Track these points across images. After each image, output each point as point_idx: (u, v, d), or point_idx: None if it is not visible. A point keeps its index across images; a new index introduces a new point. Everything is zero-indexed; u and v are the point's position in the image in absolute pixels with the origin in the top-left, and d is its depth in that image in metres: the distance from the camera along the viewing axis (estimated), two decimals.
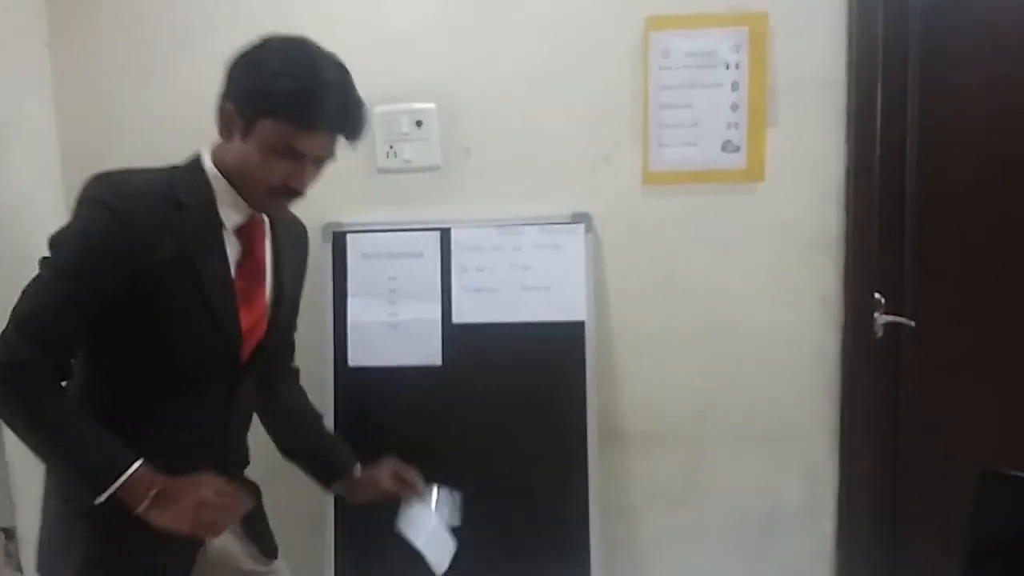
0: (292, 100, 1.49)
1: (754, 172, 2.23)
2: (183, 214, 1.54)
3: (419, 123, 2.24)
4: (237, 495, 1.57)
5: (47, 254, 1.52)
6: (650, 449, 2.34)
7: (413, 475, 1.90)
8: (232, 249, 1.61)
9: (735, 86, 2.20)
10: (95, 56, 2.30)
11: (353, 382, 2.24)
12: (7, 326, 1.49)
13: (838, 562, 2.37)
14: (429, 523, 1.87)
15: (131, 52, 2.29)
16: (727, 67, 2.19)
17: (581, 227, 2.23)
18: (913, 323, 2.28)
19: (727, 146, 2.22)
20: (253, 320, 1.65)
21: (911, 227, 2.28)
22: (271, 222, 1.70)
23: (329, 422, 2.23)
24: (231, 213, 1.60)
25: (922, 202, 2.26)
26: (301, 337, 2.25)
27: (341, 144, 1.60)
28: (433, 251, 2.25)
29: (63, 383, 1.55)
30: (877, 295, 2.27)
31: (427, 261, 2.25)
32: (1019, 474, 1.38)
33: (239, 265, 1.62)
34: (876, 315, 2.27)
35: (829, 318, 2.28)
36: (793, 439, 2.32)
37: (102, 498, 1.48)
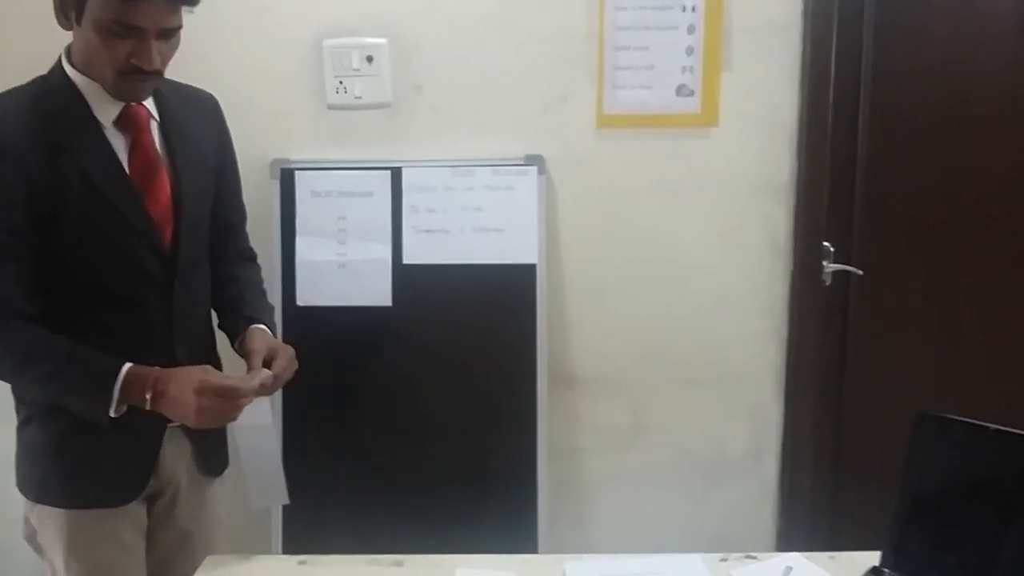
0: None
1: (708, 117, 2.22)
2: (57, 123, 1.51)
3: (370, 59, 2.19)
4: (232, 385, 1.52)
5: None
6: (598, 392, 2.36)
7: (276, 369, 1.64)
8: (118, 143, 1.57)
9: (691, 29, 2.18)
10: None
11: (301, 321, 2.21)
12: None
13: (781, 504, 2.43)
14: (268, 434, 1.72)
15: None
16: (683, 9, 2.17)
17: (534, 169, 2.21)
18: (861, 272, 2.31)
19: (682, 90, 2.21)
20: (161, 209, 1.60)
21: (862, 176, 2.29)
22: (158, 104, 1.63)
23: None
24: (102, 107, 1.55)
25: (873, 152, 2.28)
26: None
27: (183, 11, 1.50)
28: (384, 191, 2.22)
29: (29, 323, 1.52)
30: (826, 244, 2.29)
31: (377, 201, 2.22)
32: (953, 417, 1.41)
33: (129, 158, 1.57)
34: (825, 263, 2.30)
35: (778, 265, 2.30)
36: (739, 384, 2.35)
37: (112, 411, 1.49)
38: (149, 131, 1.61)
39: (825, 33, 2.19)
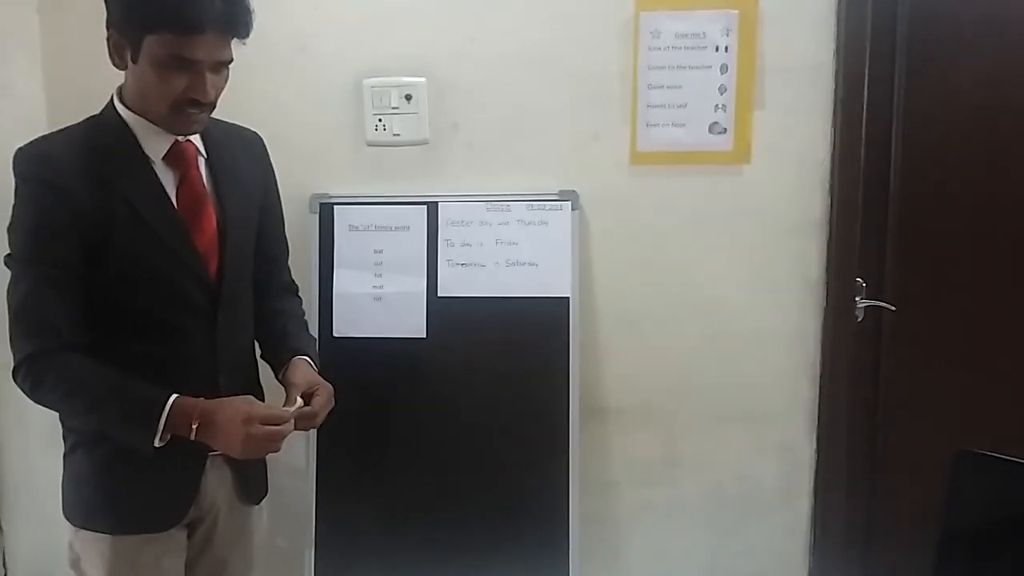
0: (171, 8, 1.47)
1: (740, 154, 2.24)
2: (107, 160, 1.57)
3: (408, 97, 2.24)
4: (278, 414, 1.58)
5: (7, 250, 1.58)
6: (630, 426, 2.37)
7: (315, 406, 1.69)
8: (167, 178, 1.62)
9: (724, 68, 2.21)
10: (84, 19, 2.27)
11: (338, 352, 2.24)
12: (9, 329, 1.56)
13: (813, 542, 2.41)
14: None
15: None
16: (716, 49, 2.20)
17: (568, 204, 2.24)
18: (894, 308, 2.31)
19: (714, 128, 2.23)
20: (206, 242, 1.65)
21: (895, 212, 2.30)
22: (205, 142, 1.69)
23: None
24: (152, 144, 1.60)
25: (906, 188, 2.28)
26: None
27: (234, 43, 1.57)
28: (420, 225, 2.26)
29: (77, 354, 1.57)
30: (859, 280, 2.30)
31: (413, 235, 2.26)
32: (993, 455, 1.40)
33: (177, 193, 1.63)
34: (857, 299, 2.30)
35: (811, 301, 2.31)
36: (771, 419, 2.35)
37: (157, 441, 1.53)
38: (197, 167, 1.67)
39: (857, 71, 2.21)
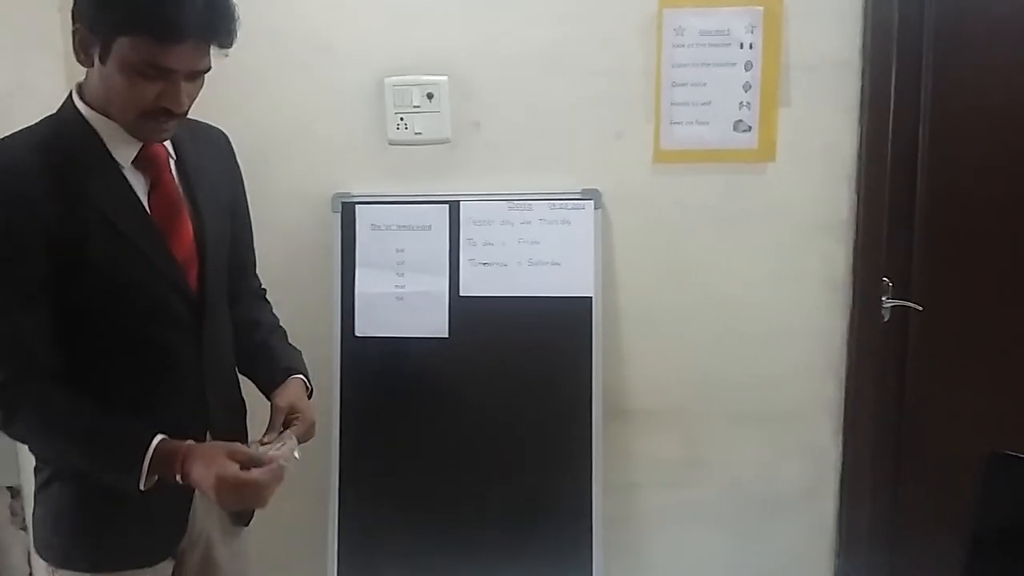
0: (148, 10, 1.33)
1: (765, 152, 2.22)
2: (73, 166, 1.43)
3: (430, 96, 2.24)
4: (255, 479, 1.44)
5: None
6: (654, 426, 2.35)
7: (296, 432, 1.59)
8: (137, 184, 1.49)
9: (748, 66, 2.19)
10: None
11: (359, 352, 2.25)
12: None
13: (838, 543, 2.39)
14: None
15: None
16: (741, 46, 2.18)
17: (591, 203, 2.23)
18: (921, 308, 2.28)
19: (739, 125, 2.21)
20: (185, 251, 1.54)
21: (921, 211, 2.27)
22: (173, 143, 1.56)
23: (335, 390, 2.25)
24: (120, 147, 1.47)
25: (933, 186, 2.25)
26: (309, 306, 2.28)
27: (214, 52, 1.43)
28: (442, 224, 2.25)
29: (54, 382, 1.46)
30: (885, 279, 2.27)
31: (435, 234, 2.25)
32: None
33: (150, 199, 1.50)
34: (884, 299, 2.27)
35: (836, 301, 2.28)
36: (796, 420, 2.33)
37: (142, 484, 1.43)
38: (169, 170, 1.55)
39: (884, 67, 2.18)
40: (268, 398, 1.67)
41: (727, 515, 2.38)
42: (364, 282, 2.26)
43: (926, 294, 2.29)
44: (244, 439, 1.67)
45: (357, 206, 2.27)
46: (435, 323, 2.25)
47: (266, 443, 1.53)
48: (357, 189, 2.28)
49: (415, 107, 2.24)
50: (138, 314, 1.50)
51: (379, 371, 2.26)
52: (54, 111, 1.51)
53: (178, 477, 1.44)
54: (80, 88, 1.49)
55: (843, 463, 2.35)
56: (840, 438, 2.34)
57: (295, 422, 1.60)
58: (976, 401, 2.31)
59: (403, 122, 2.25)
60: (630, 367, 2.33)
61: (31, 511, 1.63)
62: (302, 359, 1.77)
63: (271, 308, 1.87)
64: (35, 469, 1.59)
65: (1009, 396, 2.30)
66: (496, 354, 2.24)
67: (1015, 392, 2.30)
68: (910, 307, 2.28)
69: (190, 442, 1.47)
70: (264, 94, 2.25)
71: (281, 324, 1.84)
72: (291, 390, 1.65)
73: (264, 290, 1.89)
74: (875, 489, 2.36)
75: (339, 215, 2.26)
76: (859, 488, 2.35)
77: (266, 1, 2.18)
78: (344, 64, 2.24)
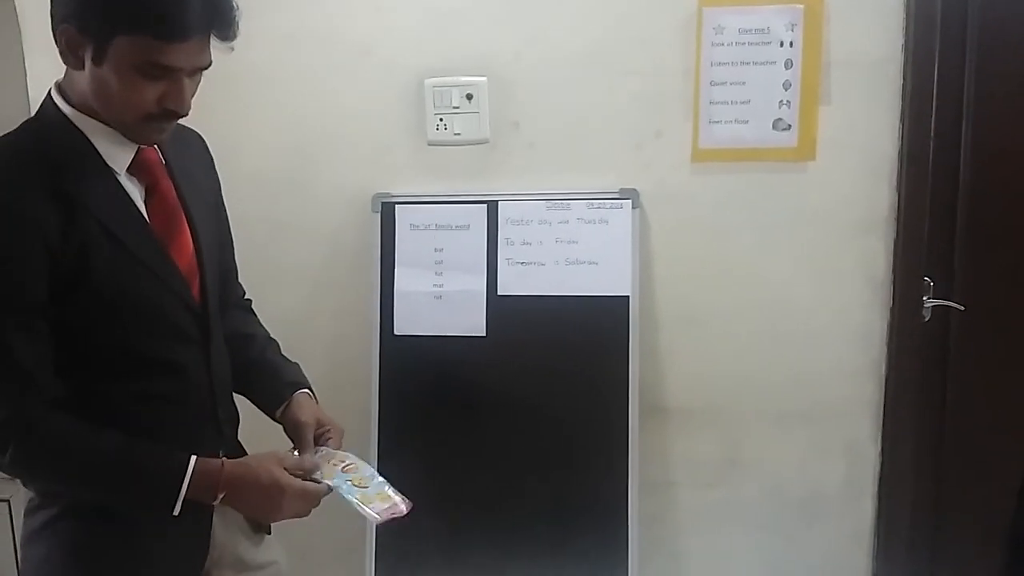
0: (149, 7, 1.26)
1: (805, 151, 2.21)
2: (66, 174, 1.34)
3: (469, 96, 2.25)
4: (315, 491, 1.44)
5: None
6: (691, 426, 2.35)
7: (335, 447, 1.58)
8: (134, 192, 1.41)
9: (788, 64, 2.18)
10: None
11: (398, 350, 2.27)
12: None
13: (877, 545, 2.37)
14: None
15: None
16: (781, 45, 2.17)
17: (628, 203, 2.23)
18: (962, 307, 2.26)
19: (778, 124, 2.20)
20: (187, 261, 1.47)
21: (963, 211, 2.24)
22: (160, 146, 1.47)
23: (374, 389, 2.27)
24: (115, 153, 1.39)
25: (975, 186, 2.22)
26: (348, 305, 2.31)
27: (218, 46, 1.36)
28: (480, 224, 2.27)
29: (60, 411, 1.37)
30: (926, 279, 2.25)
31: (474, 233, 2.27)
32: None
33: (147, 206, 1.43)
34: (925, 298, 2.25)
35: (877, 300, 2.27)
36: (835, 420, 2.32)
37: (177, 509, 1.37)
38: (166, 176, 1.47)
39: (926, 65, 2.16)
40: (270, 414, 1.62)
41: (764, 515, 2.37)
42: (403, 281, 2.28)
43: (967, 294, 2.26)
44: (243, 452, 1.62)
45: (397, 206, 2.29)
46: (473, 322, 2.26)
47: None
48: (397, 189, 2.30)
49: (454, 108, 2.26)
50: (146, 333, 1.42)
51: (417, 369, 2.27)
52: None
53: (219, 498, 1.38)
54: (60, 89, 1.39)
55: (882, 464, 2.34)
56: (879, 439, 2.33)
57: (327, 435, 1.56)
58: (1018, 402, 2.27)
59: (442, 123, 2.27)
60: (667, 366, 2.33)
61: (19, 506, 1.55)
62: (302, 371, 1.71)
63: (259, 320, 1.78)
64: (32, 508, 1.47)
65: None
66: (533, 353, 2.25)
67: None
68: (951, 307, 2.26)
69: (223, 459, 1.41)
70: (305, 96, 2.27)
71: (272, 337, 1.76)
72: (308, 405, 1.60)
73: (249, 300, 1.80)
74: (915, 491, 2.34)
75: (379, 215, 2.29)
76: (898, 490, 2.33)
77: (307, 6, 2.22)
78: (384, 66, 2.26)
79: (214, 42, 1.35)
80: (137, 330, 1.41)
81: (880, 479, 2.35)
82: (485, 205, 2.27)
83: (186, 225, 1.48)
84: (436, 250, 2.28)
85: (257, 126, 2.25)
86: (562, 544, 2.23)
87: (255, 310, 1.81)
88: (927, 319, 2.26)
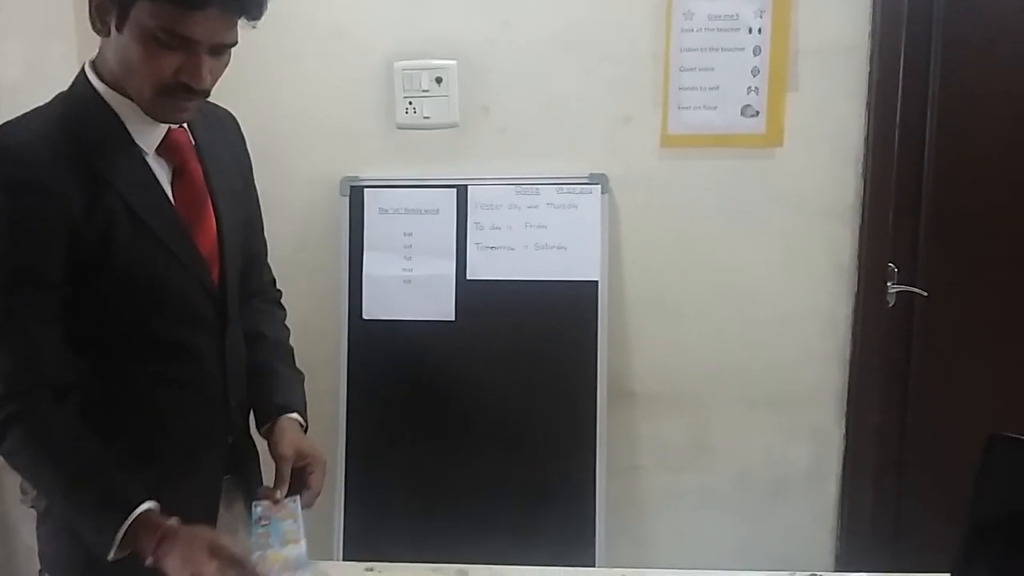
0: None
1: (773, 137, 2.23)
2: (95, 151, 1.32)
3: (439, 80, 2.24)
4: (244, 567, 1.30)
5: None
6: (659, 410, 2.37)
7: (315, 485, 1.50)
8: (161, 172, 1.38)
9: (757, 51, 2.19)
10: None
11: (367, 334, 2.27)
12: None
13: (841, 526, 2.41)
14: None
15: None
16: (749, 31, 2.18)
17: (598, 188, 2.24)
18: (926, 293, 2.29)
19: (747, 110, 2.22)
20: (209, 246, 1.43)
21: (928, 198, 2.27)
22: (189, 126, 1.44)
23: (342, 373, 2.27)
24: (144, 132, 1.36)
25: (940, 173, 2.25)
26: (317, 289, 2.30)
27: (242, 25, 1.31)
28: (449, 208, 2.26)
29: (59, 405, 1.32)
30: (891, 265, 2.28)
31: (443, 218, 2.27)
32: None
33: (173, 188, 1.40)
34: (889, 284, 2.28)
35: (842, 285, 2.29)
36: (801, 404, 2.35)
37: (111, 555, 1.28)
38: (195, 158, 1.44)
39: (892, 53, 2.18)
40: (257, 429, 1.57)
41: (730, 498, 2.40)
42: (372, 265, 2.28)
43: (931, 280, 2.29)
44: (253, 445, 1.61)
45: (365, 190, 2.28)
46: (442, 306, 2.26)
47: (277, 500, 1.43)
48: (365, 173, 2.29)
49: (424, 91, 2.25)
50: (164, 315, 1.40)
51: (386, 354, 2.27)
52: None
53: (149, 560, 1.27)
54: (94, 64, 1.36)
55: (846, 447, 2.37)
56: (844, 422, 2.36)
57: (308, 469, 1.49)
58: (979, 386, 2.31)
59: (412, 106, 2.26)
60: (636, 351, 2.34)
61: None
62: (302, 387, 1.63)
63: (283, 317, 1.71)
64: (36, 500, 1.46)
65: (1012, 381, 2.31)
66: (502, 337, 2.26)
67: (1018, 377, 2.31)
68: (915, 293, 2.29)
69: (173, 522, 1.29)
70: (273, 78, 2.25)
71: (289, 341, 1.69)
72: (290, 434, 1.51)
73: (279, 292, 1.74)
74: (878, 473, 2.37)
75: (347, 199, 2.28)
76: (862, 471, 2.37)
77: None
78: (353, 48, 2.25)
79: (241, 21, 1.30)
80: (155, 312, 1.38)
81: (844, 461, 2.38)
82: (455, 189, 2.26)
83: (211, 209, 1.44)
84: (405, 234, 2.28)
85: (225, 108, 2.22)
86: (530, 527, 2.24)
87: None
88: (891, 305, 2.29)
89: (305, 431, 1.57)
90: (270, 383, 1.58)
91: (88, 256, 1.30)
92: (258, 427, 1.57)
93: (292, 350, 1.68)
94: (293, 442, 1.50)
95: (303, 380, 1.65)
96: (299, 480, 1.48)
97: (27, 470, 1.34)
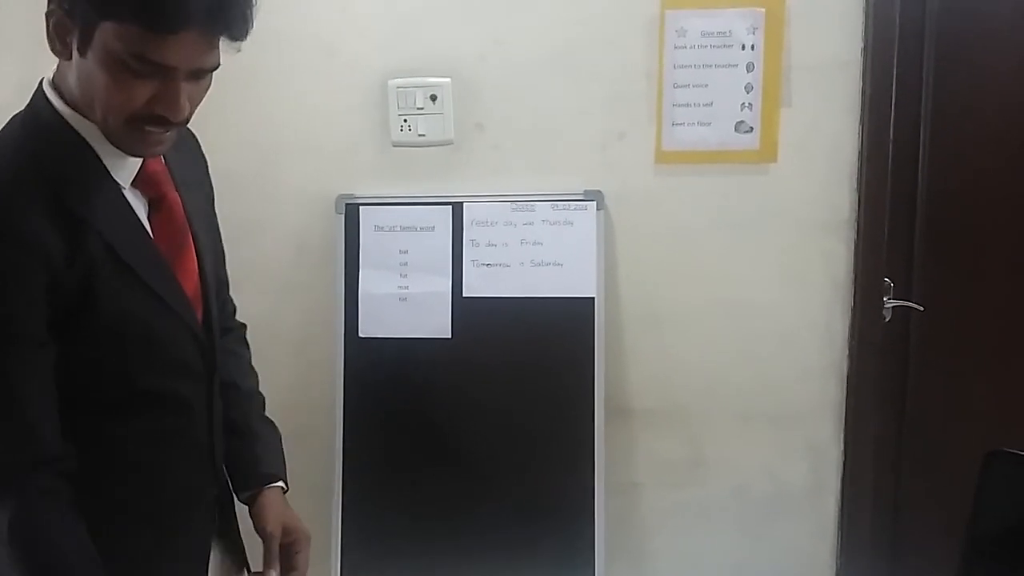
0: None
1: (767, 153, 2.23)
2: (69, 187, 1.17)
3: (433, 98, 2.25)
4: None
5: None
6: (656, 426, 2.36)
7: (302, 567, 1.45)
8: (138, 205, 1.25)
9: (750, 67, 2.20)
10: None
11: (363, 352, 2.26)
12: None
13: (840, 543, 2.39)
14: None
15: None
16: (743, 48, 2.19)
17: (593, 204, 2.24)
18: (922, 308, 2.29)
19: (740, 126, 2.22)
20: (193, 284, 1.32)
21: (923, 212, 2.27)
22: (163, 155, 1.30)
23: (338, 391, 2.26)
24: (119, 165, 1.22)
25: (935, 187, 2.26)
26: (312, 307, 2.30)
27: (225, 46, 1.16)
28: (445, 225, 2.26)
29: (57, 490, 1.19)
30: (887, 279, 2.28)
31: (439, 235, 2.26)
32: None
33: (151, 223, 1.27)
34: (885, 299, 2.28)
35: (838, 301, 2.29)
36: (799, 420, 2.34)
37: None
38: (173, 189, 1.31)
39: (885, 68, 2.19)
40: (235, 492, 1.49)
41: (729, 515, 2.39)
42: (368, 283, 2.27)
43: (927, 294, 2.29)
44: (229, 492, 1.50)
45: (361, 207, 2.28)
46: (438, 324, 2.26)
47: None
48: (361, 191, 2.29)
49: (418, 109, 2.25)
50: (152, 365, 1.28)
51: (382, 371, 2.26)
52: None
53: None
54: (54, 83, 1.21)
55: (845, 463, 2.36)
56: (842, 438, 2.35)
57: (295, 547, 1.43)
58: (977, 401, 2.31)
59: (407, 124, 2.26)
60: (633, 367, 2.34)
61: None
62: (279, 443, 1.54)
63: (249, 358, 1.60)
64: None
65: (1010, 396, 2.31)
66: (499, 354, 2.25)
67: (1016, 392, 2.31)
68: (911, 307, 2.29)
69: None
70: (268, 96, 2.26)
71: (259, 387, 1.59)
72: (276, 507, 1.44)
73: (242, 325, 1.62)
74: (877, 489, 2.36)
75: (343, 216, 2.27)
76: (861, 488, 2.36)
77: (272, 5, 2.19)
78: (348, 66, 2.25)
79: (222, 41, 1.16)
80: (143, 362, 1.26)
81: (842, 477, 2.37)
82: (450, 206, 2.26)
83: (192, 245, 1.33)
84: (401, 251, 2.27)
85: (219, 126, 2.20)
86: (529, 545, 2.23)
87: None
88: (888, 319, 2.29)
89: (285, 492, 1.50)
90: (252, 447, 1.48)
91: (69, 304, 1.17)
92: (236, 491, 1.49)
93: (264, 400, 1.59)
94: (280, 516, 1.44)
95: (280, 438, 1.56)
96: (285, 557, 1.42)
97: (6, 553, 1.17)
